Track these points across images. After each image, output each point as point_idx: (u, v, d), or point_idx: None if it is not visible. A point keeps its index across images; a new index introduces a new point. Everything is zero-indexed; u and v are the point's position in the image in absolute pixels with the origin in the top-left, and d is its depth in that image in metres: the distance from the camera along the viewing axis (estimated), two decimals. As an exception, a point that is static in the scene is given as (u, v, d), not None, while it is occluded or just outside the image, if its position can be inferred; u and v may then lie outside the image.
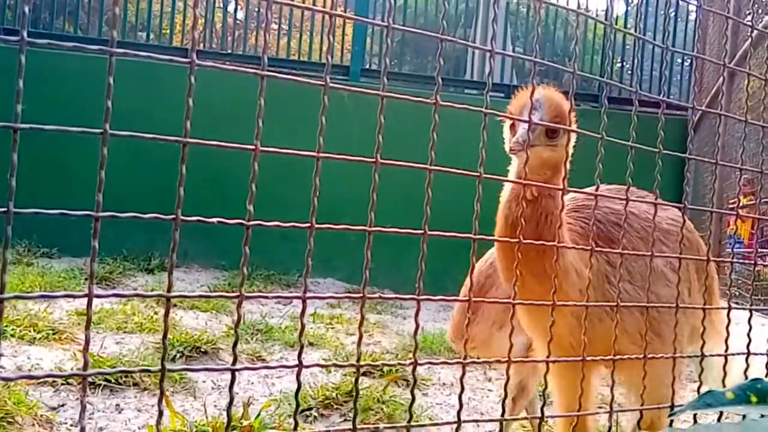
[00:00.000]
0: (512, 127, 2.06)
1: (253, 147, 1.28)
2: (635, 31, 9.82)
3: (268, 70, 1.27)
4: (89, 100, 7.61)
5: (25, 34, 1.07)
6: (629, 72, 10.96)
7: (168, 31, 9.66)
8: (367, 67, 9.76)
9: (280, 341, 5.17)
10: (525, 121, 1.75)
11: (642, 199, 2.20)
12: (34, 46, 1.08)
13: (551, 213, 2.00)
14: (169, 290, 1.23)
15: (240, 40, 10.21)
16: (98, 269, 6.90)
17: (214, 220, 1.28)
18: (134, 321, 5.06)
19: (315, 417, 3.67)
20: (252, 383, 4.20)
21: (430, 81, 10.57)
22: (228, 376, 3.58)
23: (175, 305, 5.71)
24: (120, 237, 7.50)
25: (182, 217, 1.23)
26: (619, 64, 11.15)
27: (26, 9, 1.12)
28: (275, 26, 10.31)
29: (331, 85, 1.33)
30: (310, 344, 5.17)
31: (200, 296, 1.24)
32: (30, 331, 4.43)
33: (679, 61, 11.03)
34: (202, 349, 4.46)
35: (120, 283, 6.73)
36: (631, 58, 10.60)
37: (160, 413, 1.23)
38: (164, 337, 1.23)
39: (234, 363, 1.30)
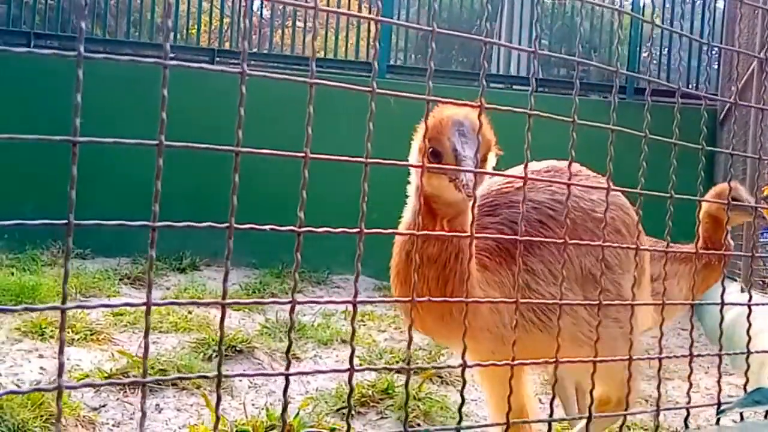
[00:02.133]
0: (434, 154, 1.81)
1: (303, 154, 1.29)
2: (662, 22, 9.72)
3: (316, 77, 1.28)
4: (115, 105, 7.72)
5: (82, 48, 1.08)
6: (656, 63, 10.86)
7: (195, 31, 9.71)
8: (393, 63, 9.76)
9: (313, 339, 5.20)
10: (467, 170, 1.68)
11: (583, 184, 2.13)
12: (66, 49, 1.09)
13: (462, 251, 1.84)
14: (224, 297, 1.24)
15: (265, 39, 10.24)
16: (131, 269, 6.99)
17: (267, 227, 1.29)
18: (169, 321, 5.11)
19: (352, 415, 3.69)
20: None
21: (455, 76, 10.56)
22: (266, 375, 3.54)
23: (208, 304, 5.78)
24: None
25: (236, 225, 1.24)
26: (646, 55, 11.05)
27: (83, 24, 1.14)
28: (300, 24, 10.33)
29: (378, 90, 1.34)
30: (343, 341, 5.19)
31: (255, 302, 1.25)
32: (68, 333, 4.50)
33: (706, 50, 10.90)
34: (238, 348, 4.49)
35: (153, 282, 6.78)
36: (659, 49, 10.50)
37: (218, 418, 1.25)
38: (220, 342, 1.25)
39: (287, 368, 1.32)
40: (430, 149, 1.78)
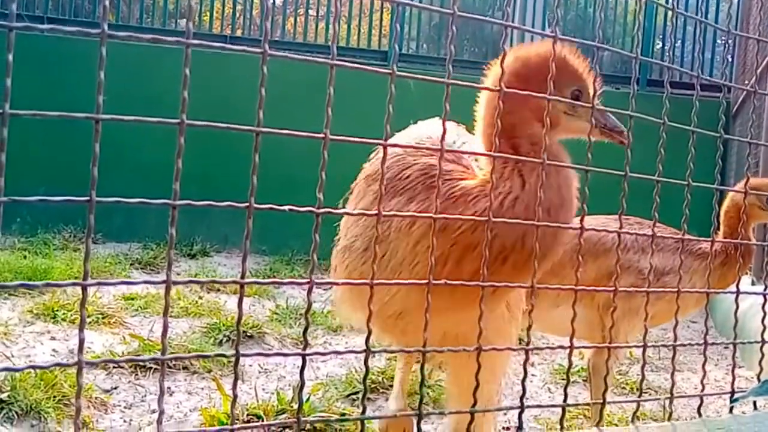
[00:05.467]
0: (574, 95, 1.76)
1: (323, 135, 1.29)
2: (674, 15, 9.64)
3: (337, 59, 1.29)
4: (123, 86, 7.72)
5: (105, 26, 1.08)
6: (669, 56, 10.80)
7: (208, 18, 9.70)
8: (405, 51, 9.74)
9: (323, 326, 5.21)
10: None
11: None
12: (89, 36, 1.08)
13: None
14: (242, 276, 1.25)
15: (277, 26, 10.23)
16: (143, 255, 7.02)
17: (286, 207, 1.29)
18: (180, 306, 5.14)
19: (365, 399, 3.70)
20: (298, 367, 4.25)
21: (466, 65, 10.52)
22: (274, 360, 3.62)
23: (218, 290, 5.80)
24: (162, 223, 7.57)
25: (255, 205, 1.24)
26: (659, 45, 10.99)
27: (106, 2, 1.14)
28: (313, 12, 10.32)
29: (398, 73, 1.34)
30: (352, 328, 5.20)
31: (272, 282, 1.26)
32: (80, 315, 4.53)
33: (720, 42, 10.84)
34: (248, 333, 4.51)
35: (164, 268, 6.81)
36: (672, 40, 10.44)
37: (235, 397, 1.26)
38: (238, 323, 1.25)
39: (305, 348, 1.33)
40: (576, 89, 1.77)
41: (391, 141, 1.94)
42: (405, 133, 2.19)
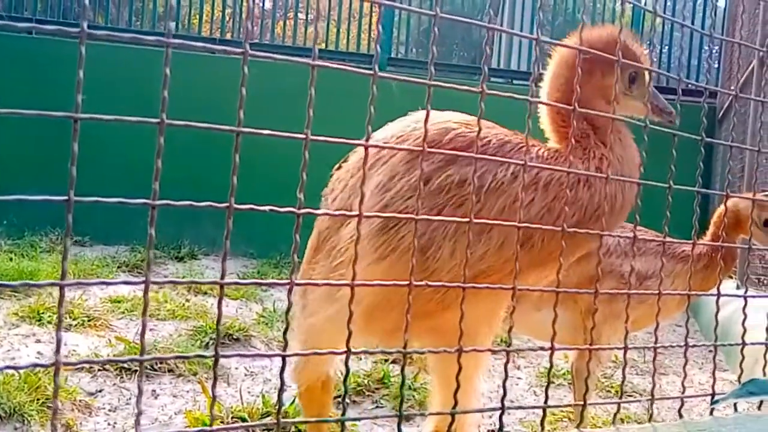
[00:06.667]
0: (631, 78, 1.96)
1: (304, 136, 1.29)
2: (662, 22, 9.71)
3: (319, 60, 1.29)
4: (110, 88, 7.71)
5: (85, 25, 1.08)
6: (656, 61, 10.86)
7: (197, 21, 9.70)
8: (394, 56, 9.76)
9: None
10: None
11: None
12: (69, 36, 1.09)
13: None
14: (222, 277, 1.25)
15: (267, 30, 10.22)
16: (130, 258, 6.99)
17: (266, 208, 1.29)
18: (167, 308, 5.12)
19: (348, 403, 3.70)
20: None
21: (455, 69, 10.56)
22: (260, 363, 3.62)
23: (205, 293, 5.78)
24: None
25: (236, 206, 1.24)
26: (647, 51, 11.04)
27: (86, 1, 1.14)
28: (302, 16, 10.32)
29: (380, 74, 1.34)
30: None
31: (253, 283, 1.26)
32: (66, 318, 4.50)
33: (706, 48, 10.91)
34: (235, 336, 4.50)
35: (150, 271, 6.78)
36: (659, 47, 10.50)
37: (214, 397, 1.26)
38: (218, 322, 1.25)
39: (285, 349, 1.33)
40: (633, 72, 1.93)
41: (382, 130, 1.95)
42: (398, 122, 2.14)
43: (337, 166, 2.18)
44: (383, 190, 1.83)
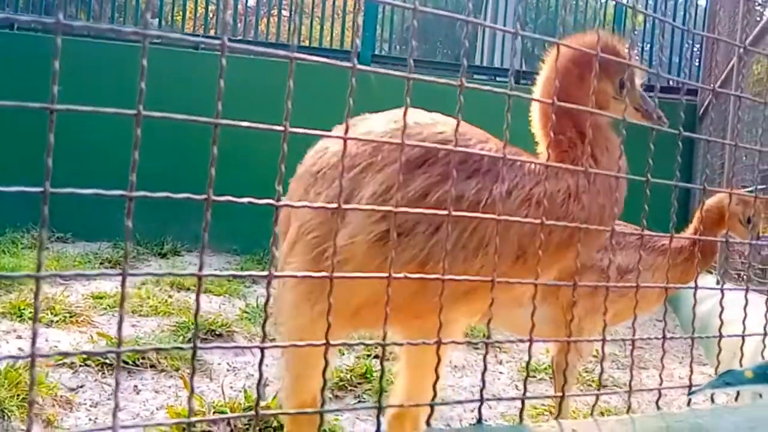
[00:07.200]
0: (621, 84, 1.91)
1: (282, 128, 1.29)
2: (644, 17, 9.77)
3: (297, 53, 1.29)
4: (94, 82, 7.66)
5: (61, 16, 1.08)
6: (638, 59, 10.92)
7: (180, 18, 9.66)
8: (378, 53, 9.76)
9: (292, 325, 5.20)
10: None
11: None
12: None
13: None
14: (200, 269, 1.25)
15: (250, 27, 10.20)
16: (112, 254, 6.96)
17: (245, 200, 1.29)
18: (149, 304, 5.10)
19: (330, 398, 3.71)
20: (266, 365, 4.23)
21: (438, 66, 10.57)
22: (243, 358, 3.61)
23: (188, 289, 5.77)
24: (133, 221, 7.54)
25: (214, 198, 1.24)
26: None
27: (62, -8, 1.14)
28: (286, 13, 10.30)
29: (359, 67, 1.34)
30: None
31: (232, 275, 1.26)
32: (47, 314, 4.48)
33: (687, 46, 10.98)
34: (217, 332, 4.50)
35: (133, 267, 6.77)
36: (641, 45, 10.56)
37: (192, 390, 1.26)
38: (196, 315, 1.25)
39: (263, 341, 1.33)
40: (622, 77, 1.91)
41: (365, 122, 1.95)
42: (382, 114, 2.11)
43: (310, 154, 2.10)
44: (379, 202, 1.81)
